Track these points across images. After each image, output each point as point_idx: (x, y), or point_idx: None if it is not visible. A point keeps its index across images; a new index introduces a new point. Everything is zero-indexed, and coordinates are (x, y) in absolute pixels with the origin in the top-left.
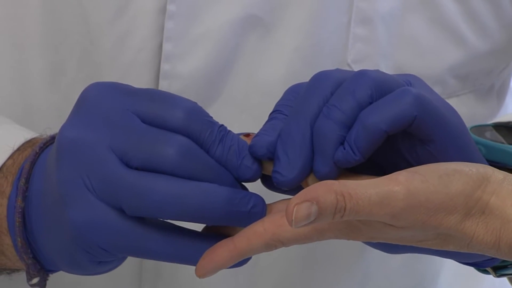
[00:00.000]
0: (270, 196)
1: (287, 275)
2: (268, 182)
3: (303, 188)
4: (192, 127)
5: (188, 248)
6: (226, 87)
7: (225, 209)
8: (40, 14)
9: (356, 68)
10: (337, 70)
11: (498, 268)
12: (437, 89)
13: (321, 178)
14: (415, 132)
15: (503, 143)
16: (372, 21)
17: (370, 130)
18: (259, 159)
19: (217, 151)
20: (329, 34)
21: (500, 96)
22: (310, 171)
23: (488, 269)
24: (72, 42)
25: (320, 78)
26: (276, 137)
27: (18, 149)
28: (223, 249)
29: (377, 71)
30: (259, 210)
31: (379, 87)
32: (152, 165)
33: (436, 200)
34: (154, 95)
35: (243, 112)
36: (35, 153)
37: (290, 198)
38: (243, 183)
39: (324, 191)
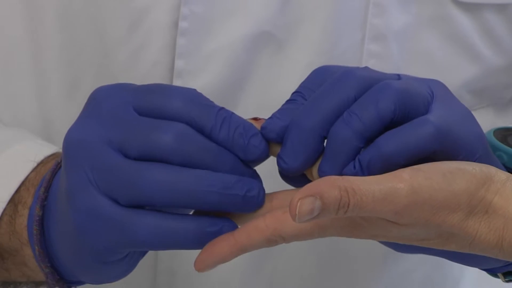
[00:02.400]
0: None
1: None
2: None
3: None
4: (191, 113)
5: (182, 233)
6: (239, 103)
7: (219, 194)
8: (56, 29)
9: None
10: (366, 69)
11: (509, 273)
12: None
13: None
14: (433, 158)
15: None
16: (386, 37)
17: (387, 160)
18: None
19: (221, 133)
20: (342, 51)
21: None
22: (314, 162)
23: (499, 274)
24: (88, 57)
25: (348, 76)
26: (288, 123)
27: (42, 162)
28: (223, 244)
29: (403, 82)
30: (254, 194)
31: (403, 104)
32: (149, 153)
33: (439, 197)
34: (153, 88)
35: None
36: (57, 164)
37: (291, 189)
38: (253, 167)
39: (328, 186)
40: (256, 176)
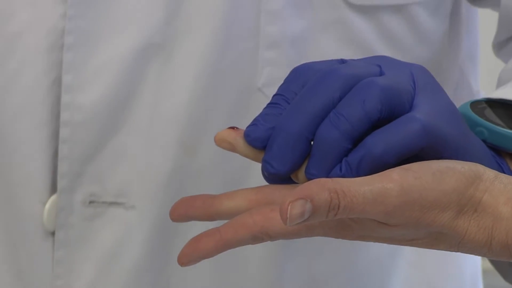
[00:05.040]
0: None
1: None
2: None
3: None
4: None
5: None
6: (129, 116)
7: None
8: None
9: (268, 92)
10: (348, 65)
11: None
12: None
13: (311, 179)
14: (420, 156)
15: (502, 125)
16: (281, 44)
17: (377, 160)
18: None
19: None
20: (234, 59)
21: None
22: (300, 165)
23: None
24: None
25: (331, 76)
26: (272, 130)
27: None
28: (208, 239)
29: (387, 78)
30: None
31: (388, 101)
32: None
33: (430, 197)
34: None
35: (147, 141)
36: None
37: (276, 185)
38: None
39: (318, 188)
40: None
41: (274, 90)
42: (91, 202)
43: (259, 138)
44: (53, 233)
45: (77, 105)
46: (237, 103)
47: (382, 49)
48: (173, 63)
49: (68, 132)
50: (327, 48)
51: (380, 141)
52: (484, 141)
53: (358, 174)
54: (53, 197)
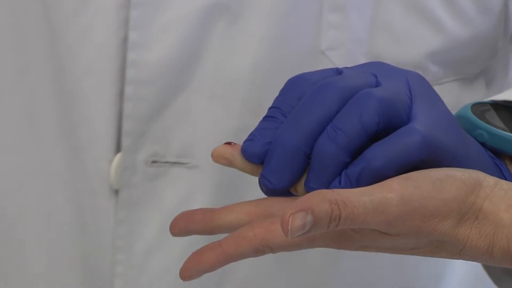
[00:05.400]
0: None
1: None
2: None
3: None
4: None
5: None
6: (194, 76)
7: None
8: (3, 15)
9: (331, 55)
10: (344, 76)
11: None
12: None
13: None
14: (420, 167)
15: (502, 128)
16: (345, 7)
17: (377, 173)
18: None
19: None
20: (298, 22)
21: (491, 85)
22: (298, 179)
23: None
24: (35, 41)
25: (327, 88)
26: (269, 145)
27: None
28: (210, 253)
29: (384, 89)
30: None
31: (386, 113)
32: None
33: (430, 205)
34: None
35: (212, 100)
36: None
37: (276, 197)
38: None
39: (319, 200)
40: None
41: (337, 53)
42: (153, 162)
43: (256, 154)
44: (116, 192)
45: (142, 63)
46: (301, 66)
47: (445, 17)
48: (239, 25)
49: (133, 90)
50: (391, 13)
51: (380, 153)
52: (484, 143)
53: (357, 187)
54: (119, 155)
